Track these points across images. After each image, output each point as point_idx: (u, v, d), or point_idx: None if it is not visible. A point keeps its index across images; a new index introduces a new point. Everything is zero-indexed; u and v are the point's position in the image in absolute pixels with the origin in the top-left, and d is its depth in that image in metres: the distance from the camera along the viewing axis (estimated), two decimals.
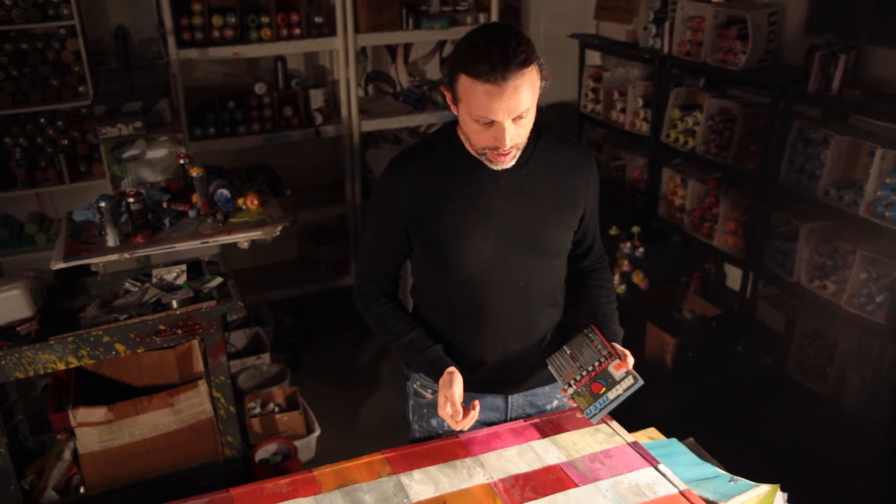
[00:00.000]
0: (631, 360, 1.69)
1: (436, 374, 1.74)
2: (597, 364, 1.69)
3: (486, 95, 1.50)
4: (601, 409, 1.64)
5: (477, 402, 1.70)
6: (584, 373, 1.70)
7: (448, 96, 1.61)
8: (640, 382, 1.64)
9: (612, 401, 1.64)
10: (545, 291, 1.82)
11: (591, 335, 1.75)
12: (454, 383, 1.68)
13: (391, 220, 1.75)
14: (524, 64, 1.48)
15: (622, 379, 1.65)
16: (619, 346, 1.72)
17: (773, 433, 3.29)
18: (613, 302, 1.89)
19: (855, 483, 2.95)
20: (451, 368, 1.72)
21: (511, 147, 1.58)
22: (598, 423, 1.83)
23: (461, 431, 1.87)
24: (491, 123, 1.54)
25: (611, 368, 1.67)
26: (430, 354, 1.77)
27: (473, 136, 1.61)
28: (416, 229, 1.74)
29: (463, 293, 1.77)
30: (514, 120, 1.54)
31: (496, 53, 1.47)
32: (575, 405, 1.69)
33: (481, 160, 1.66)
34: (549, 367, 1.78)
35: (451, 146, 1.71)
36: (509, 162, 1.64)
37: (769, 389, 3.61)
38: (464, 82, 1.52)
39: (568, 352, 1.76)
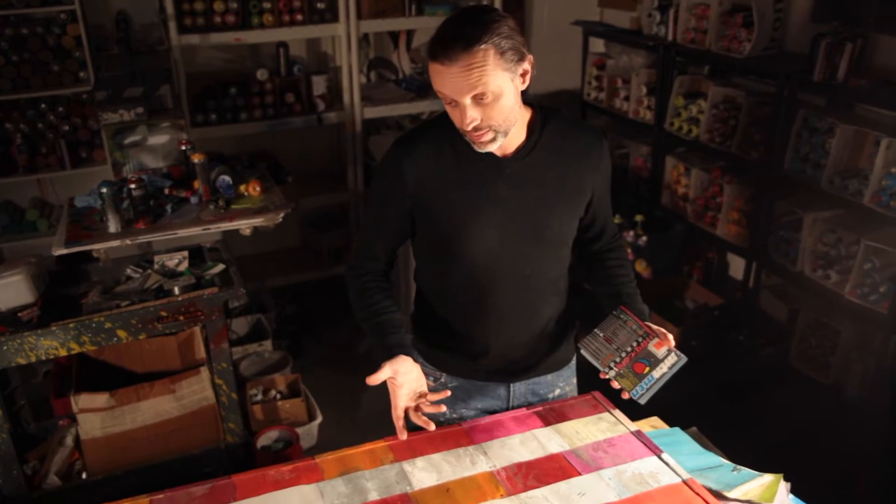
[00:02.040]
0: (671, 338, 1.67)
1: (390, 356, 1.67)
2: (635, 344, 1.67)
3: (437, 74, 1.51)
4: (648, 389, 1.62)
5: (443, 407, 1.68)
6: (623, 354, 1.67)
7: None
8: (684, 359, 1.62)
9: (657, 380, 1.62)
10: (549, 280, 1.80)
11: (622, 316, 1.72)
12: (398, 361, 1.64)
13: (395, 198, 1.72)
14: (470, 43, 1.46)
15: (665, 357, 1.63)
16: (654, 326, 1.69)
17: (775, 423, 3.29)
18: (633, 280, 1.86)
19: (857, 472, 2.95)
20: (406, 357, 1.67)
21: (483, 130, 1.56)
22: (645, 403, 1.75)
23: (461, 419, 1.86)
24: (455, 103, 1.54)
25: (651, 347, 1.65)
26: (395, 339, 1.71)
27: (451, 116, 1.60)
28: (420, 211, 1.72)
29: (466, 281, 1.75)
30: (474, 101, 1.52)
31: (448, 32, 1.48)
32: (618, 387, 1.66)
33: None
34: (584, 352, 1.73)
35: (455, 132, 1.68)
36: (487, 146, 1.60)
37: (772, 379, 3.61)
38: (429, 61, 1.54)
39: (601, 335, 1.72)
